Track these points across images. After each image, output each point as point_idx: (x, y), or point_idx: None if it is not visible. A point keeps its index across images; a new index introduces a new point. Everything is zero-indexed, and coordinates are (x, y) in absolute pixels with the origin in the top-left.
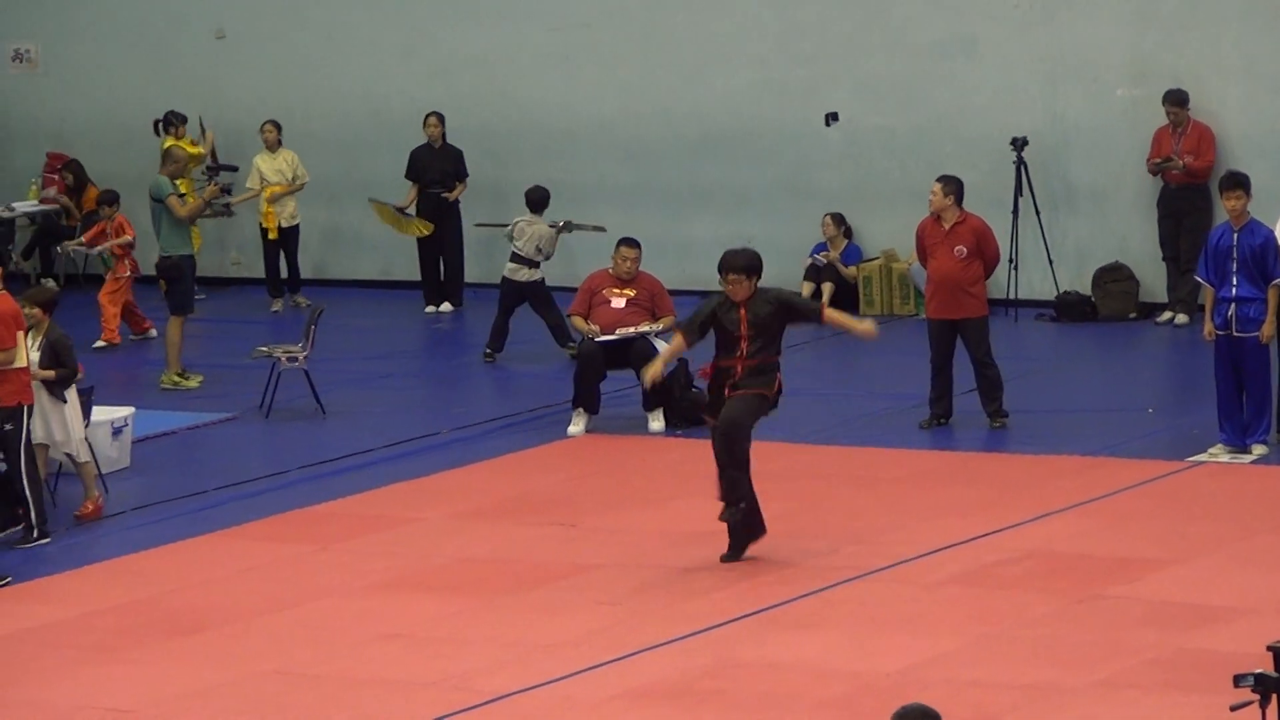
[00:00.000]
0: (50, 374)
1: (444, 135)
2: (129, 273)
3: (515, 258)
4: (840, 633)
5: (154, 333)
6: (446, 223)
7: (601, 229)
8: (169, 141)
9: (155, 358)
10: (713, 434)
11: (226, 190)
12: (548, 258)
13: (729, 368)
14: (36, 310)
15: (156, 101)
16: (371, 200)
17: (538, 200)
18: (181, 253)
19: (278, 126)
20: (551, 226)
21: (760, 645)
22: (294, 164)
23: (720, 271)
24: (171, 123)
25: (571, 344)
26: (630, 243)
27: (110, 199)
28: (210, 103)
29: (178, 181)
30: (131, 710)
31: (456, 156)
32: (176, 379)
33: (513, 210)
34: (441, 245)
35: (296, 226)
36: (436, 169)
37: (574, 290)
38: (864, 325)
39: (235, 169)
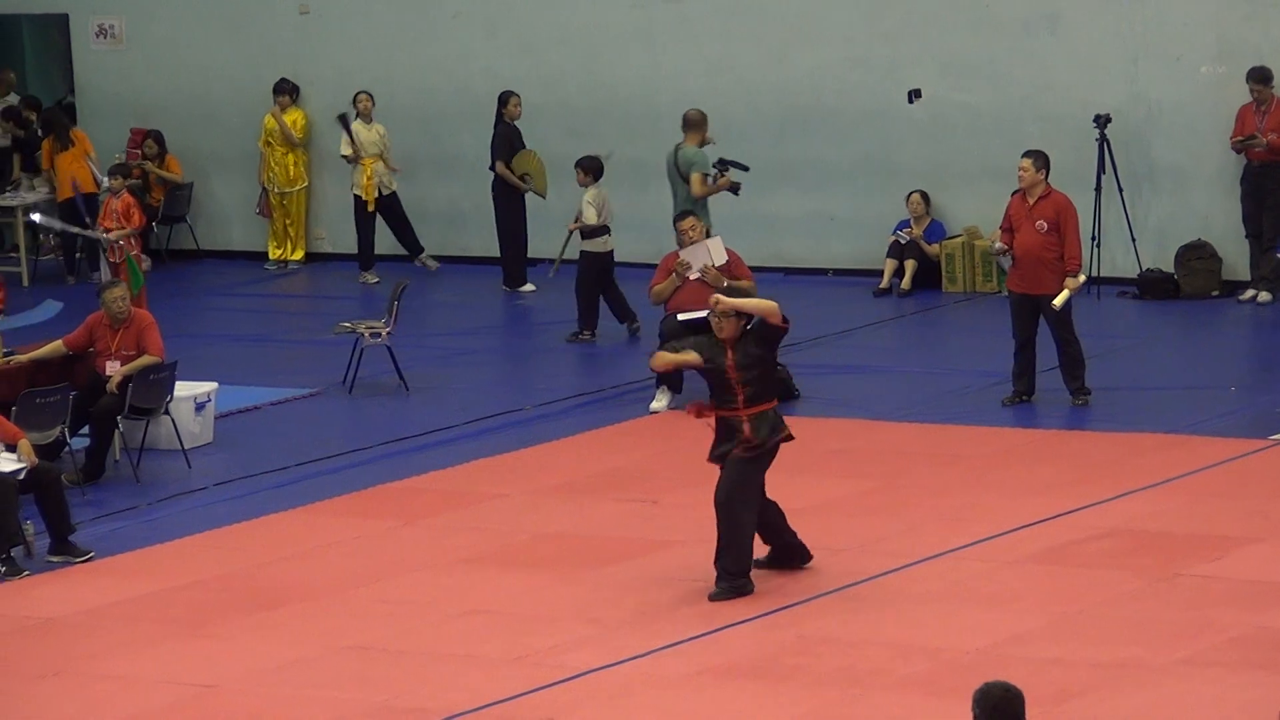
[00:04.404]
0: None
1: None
2: (120, 259)
3: (599, 231)
4: (922, 610)
5: None
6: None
7: (745, 167)
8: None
9: (235, 333)
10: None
11: (734, 190)
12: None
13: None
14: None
15: (240, 77)
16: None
17: (599, 168)
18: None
19: (371, 97)
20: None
21: (842, 622)
22: (385, 136)
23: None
24: (281, 90)
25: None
26: (682, 216)
27: (122, 171)
28: (294, 78)
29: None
30: (214, 685)
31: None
32: None
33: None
34: (521, 224)
35: (395, 194)
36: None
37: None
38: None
39: (747, 169)
